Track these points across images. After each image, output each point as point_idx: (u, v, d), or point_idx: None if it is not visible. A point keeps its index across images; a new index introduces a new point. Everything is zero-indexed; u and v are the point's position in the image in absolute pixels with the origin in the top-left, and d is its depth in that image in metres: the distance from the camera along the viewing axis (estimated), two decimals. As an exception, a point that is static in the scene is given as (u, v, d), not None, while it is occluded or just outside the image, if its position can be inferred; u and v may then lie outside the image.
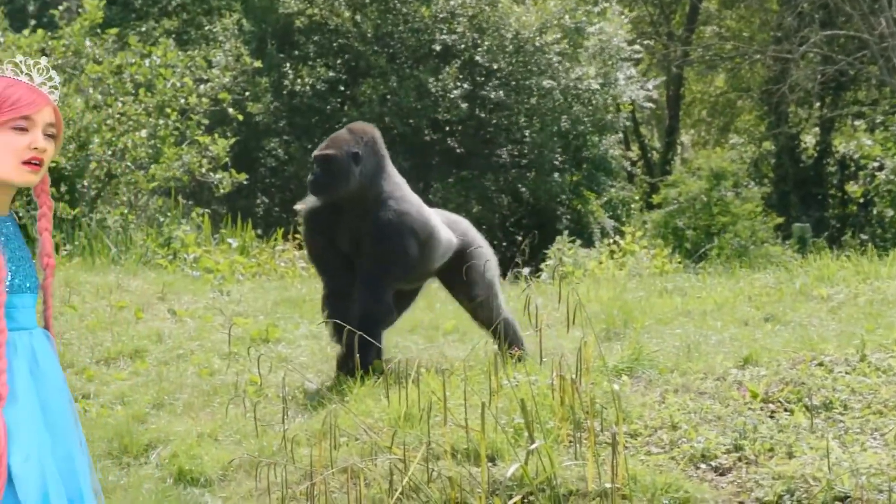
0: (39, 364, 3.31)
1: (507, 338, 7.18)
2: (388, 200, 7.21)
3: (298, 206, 7.53)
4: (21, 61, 3.30)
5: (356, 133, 7.23)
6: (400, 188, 7.35)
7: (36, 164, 3.26)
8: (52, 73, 3.34)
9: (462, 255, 7.56)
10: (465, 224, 7.86)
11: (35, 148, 3.24)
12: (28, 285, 3.34)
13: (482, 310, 7.59)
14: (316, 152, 7.13)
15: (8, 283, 3.25)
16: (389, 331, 7.74)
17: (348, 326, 6.53)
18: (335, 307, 7.20)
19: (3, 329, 3.19)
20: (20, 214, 13.74)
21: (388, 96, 22.03)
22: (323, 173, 7.04)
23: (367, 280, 7.20)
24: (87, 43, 15.18)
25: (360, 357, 6.92)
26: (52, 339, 3.42)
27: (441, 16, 22.45)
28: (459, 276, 7.40)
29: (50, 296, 3.48)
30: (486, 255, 7.75)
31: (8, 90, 3.24)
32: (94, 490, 3.41)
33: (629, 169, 28.50)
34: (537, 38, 22.57)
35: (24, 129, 3.24)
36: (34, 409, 3.24)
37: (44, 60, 3.35)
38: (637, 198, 26.95)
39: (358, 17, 22.77)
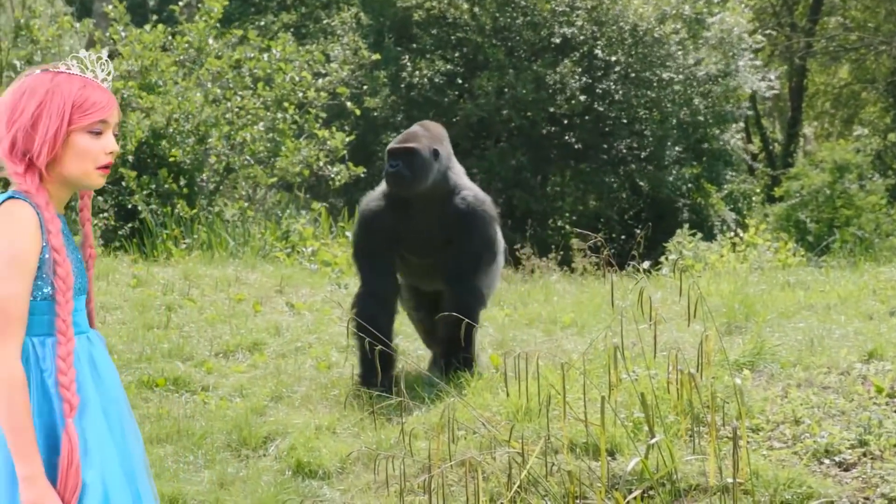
0: (97, 367, 3.30)
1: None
2: (464, 191, 7.20)
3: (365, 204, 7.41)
4: (85, 56, 3.26)
5: (431, 130, 7.20)
6: (467, 179, 7.36)
7: (108, 168, 3.26)
8: (111, 66, 3.30)
9: None
10: None
11: (110, 153, 3.24)
12: (84, 286, 3.32)
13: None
14: (395, 145, 7.05)
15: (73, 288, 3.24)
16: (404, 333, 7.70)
17: (373, 334, 6.45)
18: (369, 308, 7.06)
19: (71, 337, 3.17)
20: (140, 208, 13.91)
21: (506, 89, 21.97)
22: (406, 167, 6.99)
23: (457, 273, 7.16)
24: (210, 40, 15.32)
25: (462, 352, 6.91)
26: (103, 338, 3.41)
27: (560, 9, 22.34)
28: None
29: (91, 288, 3.44)
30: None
31: (84, 92, 3.20)
32: (151, 493, 3.40)
33: (750, 161, 28.14)
34: (656, 28, 22.38)
35: (98, 133, 3.22)
36: (100, 417, 3.23)
37: (105, 53, 3.32)
38: (758, 190, 26.62)
39: (476, 10, 22.74)
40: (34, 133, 3.15)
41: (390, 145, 7.06)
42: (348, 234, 14.18)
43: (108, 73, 3.28)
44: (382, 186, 7.29)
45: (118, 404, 3.31)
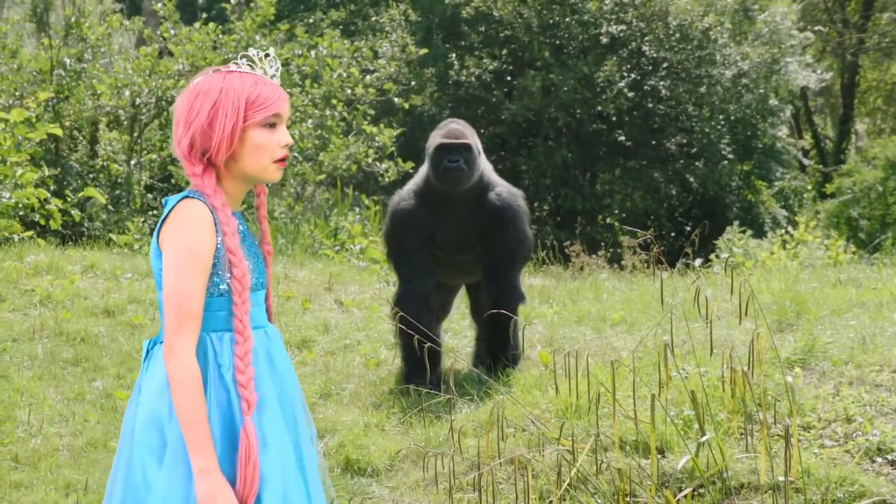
0: (274, 363, 3.32)
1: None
2: (497, 187, 7.20)
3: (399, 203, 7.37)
4: (254, 54, 3.31)
5: (467, 127, 7.18)
6: (496, 175, 7.35)
7: (284, 161, 3.30)
8: (278, 63, 3.34)
9: None
10: None
11: (285, 146, 3.27)
12: (262, 281, 3.36)
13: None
14: (451, 141, 6.99)
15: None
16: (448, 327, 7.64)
17: (420, 331, 6.42)
18: (413, 307, 6.99)
19: (248, 336, 3.20)
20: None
21: (553, 87, 21.94)
22: (465, 162, 6.97)
23: (493, 270, 7.14)
24: (257, 38, 15.36)
25: (511, 349, 6.90)
26: (280, 334, 3.43)
27: (608, 6, 22.29)
28: None
29: (269, 285, 3.47)
30: None
31: (257, 87, 3.24)
32: (324, 486, 3.42)
33: (801, 158, 27.98)
34: (701, 22, 22.28)
35: (273, 126, 3.25)
36: (277, 413, 3.26)
37: (272, 51, 3.35)
38: (810, 187, 26.47)
39: (520, 8, 22.72)
40: (211, 132, 3.20)
41: (443, 141, 6.99)
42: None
43: (277, 70, 3.32)
44: (413, 184, 7.29)
45: (292, 401, 3.35)
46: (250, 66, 3.29)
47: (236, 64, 3.29)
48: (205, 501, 3.07)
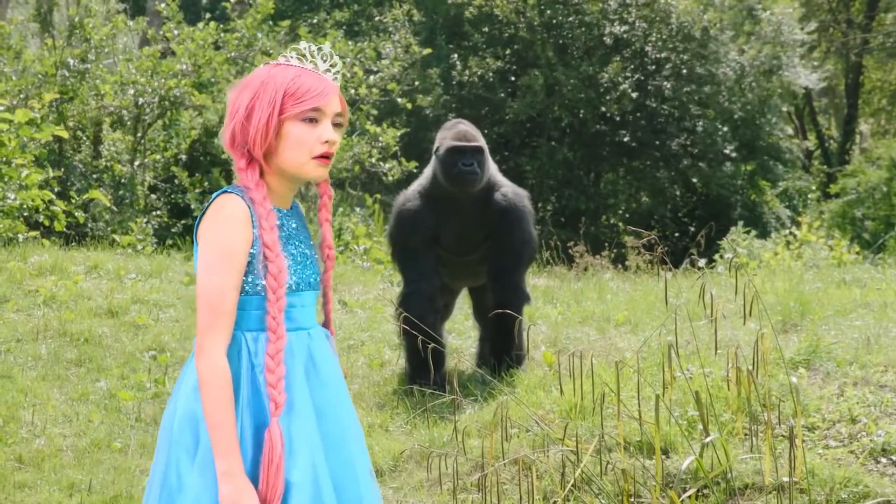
0: (316, 365, 3.22)
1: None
2: (503, 188, 7.20)
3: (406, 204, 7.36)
4: (305, 48, 3.21)
5: (474, 128, 7.17)
6: (501, 175, 7.35)
7: (326, 158, 3.18)
8: (336, 58, 3.24)
9: None
10: None
11: (326, 141, 3.16)
12: (310, 282, 3.26)
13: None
14: (465, 144, 6.97)
15: (288, 285, 3.17)
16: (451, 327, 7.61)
17: (424, 331, 6.40)
18: (417, 307, 6.96)
19: (281, 335, 3.11)
20: (193, 206, 13.98)
21: (556, 87, 21.94)
22: (478, 165, 6.97)
23: (499, 271, 7.13)
24: (259, 35, 15.37)
25: (515, 349, 6.88)
26: (331, 337, 3.35)
27: (611, 7, 22.30)
28: None
29: (329, 289, 3.39)
30: None
31: (297, 80, 3.14)
32: (374, 497, 3.30)
33: (805, 158, 27.97)
34: (702, 21, 22.27)
35: (314, 121, 3.15)
36: (309, 416, 3.15)
37: (326, 46, 3.24)
38: (814, 188, 26.46)
39: (521, 7, 22.73)
40: (248, 124, 3.13)
41: (456, 143, 6.95)
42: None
43: (334, 65, 3.22)
44: (418, 184, 7.28)
45: (337, 405, 3.25)
46: (300, 59, 3.19)
47: (285, 57, 3.20)
48: None
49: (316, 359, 3.22)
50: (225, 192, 3.14)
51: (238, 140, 3.17)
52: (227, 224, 3.09)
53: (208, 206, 3.15)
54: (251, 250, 3.12)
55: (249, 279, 3.12)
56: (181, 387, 3.17)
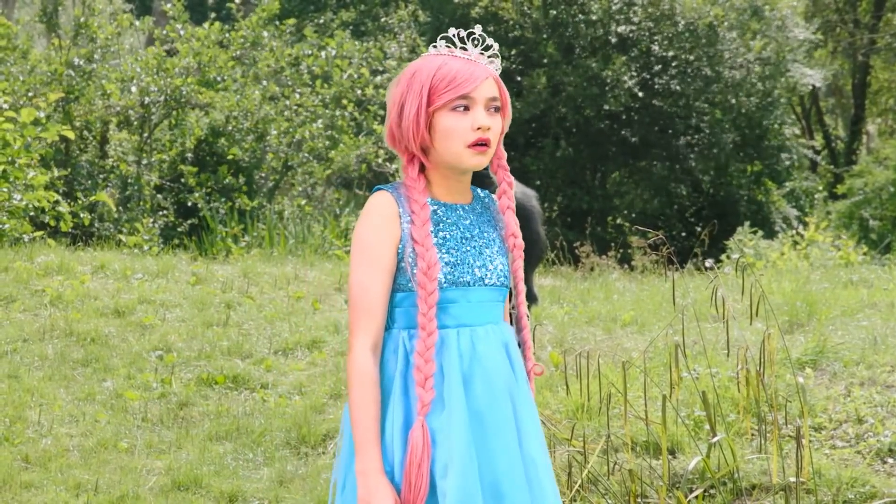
0: (482, 363, 3.06)
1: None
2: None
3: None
4: (454, 34, 3.11)
5: None
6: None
7: (483, 146, 3.07)
8: (490, 40, 3.12)
9: None
10: None
11: (479, 128, 3.04)
12: (479, 277, 3.13)
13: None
14: None
15: (444, 278, 3.06)
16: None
17: None
18: None
19: (431, 331, 3.00)
20: (199, 206, 13.98)
21: (560, 85, 21.94)
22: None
23: None
24: (265, 34, 15.39)
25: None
26: (508, 332, 3.19)
27: (616, 6, 22.29)
28: None
29: (520, 279, 3.29)
30: None
31: (442, 70, 3.05)
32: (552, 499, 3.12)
33: (812, 158, 27.93)
34: (707, 19, 22.25)
35: (465, 109, 3.04)
36: (462, 417, 3.01)
37: (478, 29, 3.14)
38: (821, 188, 26.43)
39: (525, 7, 22.73)
40: (401, 119, 3.07)
41: None
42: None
43: (487, 48, 3.10)
44: None
45: (503, 406, 3.07)
46: (449, 46, 3.09)
47: (435, 46, 3.11)
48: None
49: (480, 356, 3.07)
50: (378, 189, 3.09)
51: (396, 136, 3.10)
52: (369, 221, 3.04)
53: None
54: (399, 246, 3.05)
55: (404, 276, 3.06)
56: None
